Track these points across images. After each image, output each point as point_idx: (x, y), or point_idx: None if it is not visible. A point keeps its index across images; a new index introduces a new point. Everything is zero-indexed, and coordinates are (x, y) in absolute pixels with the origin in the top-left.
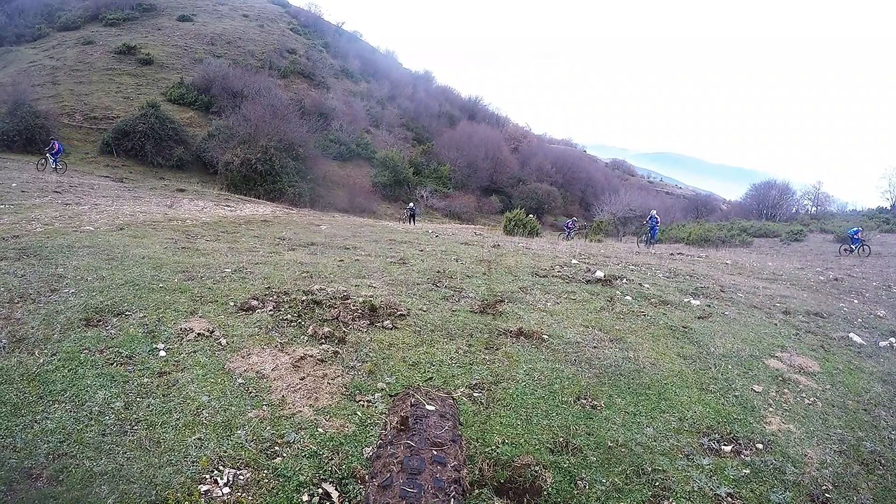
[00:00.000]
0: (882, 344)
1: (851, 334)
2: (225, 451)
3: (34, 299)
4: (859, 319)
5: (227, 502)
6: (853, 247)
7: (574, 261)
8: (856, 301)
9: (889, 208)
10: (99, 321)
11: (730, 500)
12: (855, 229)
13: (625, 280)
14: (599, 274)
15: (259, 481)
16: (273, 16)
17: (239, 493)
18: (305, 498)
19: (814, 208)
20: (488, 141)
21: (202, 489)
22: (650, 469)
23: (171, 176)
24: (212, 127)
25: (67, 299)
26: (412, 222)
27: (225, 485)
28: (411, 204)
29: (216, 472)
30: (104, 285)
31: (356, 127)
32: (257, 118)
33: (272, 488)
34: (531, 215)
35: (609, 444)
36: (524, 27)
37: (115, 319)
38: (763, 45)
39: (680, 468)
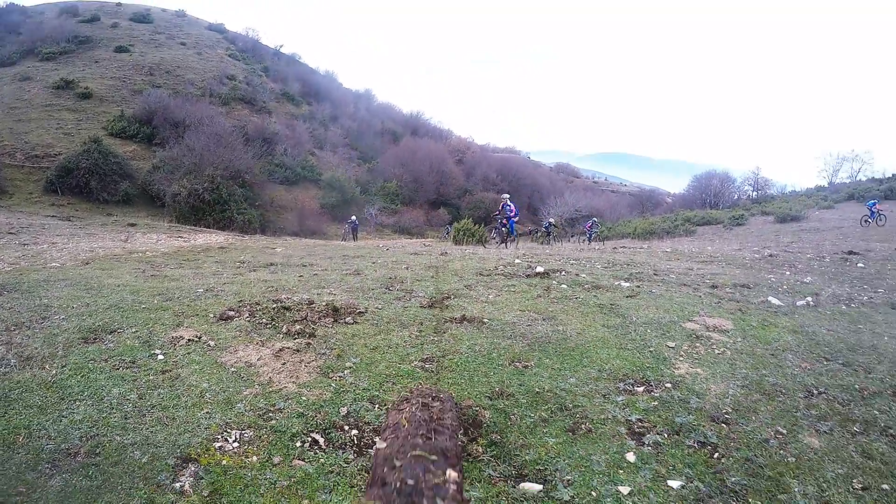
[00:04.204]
0: (799, 303)
1: (771, 298)
2: (230, 419)
3: (28, 326)
4: (784, 286)
5: (237, 452)
6: (871, 219)
7: (517, 260)
8: (788, 273)
9: (826, 186)
10: (96, 338)
11: (639, 423)
12: (872, 202)
13: (563, 272)
14: (540, 269)
15: (260, 436)
16: (210, 42)
17: (246, 446)
18: (298, 444)
19: (754, 193)
20: (432, 155)
21: (216, 445)
22: (571, 406)
23: (119, 211)
24: (156, 159)
25: (60, 324)
26: (354, 238)
27: (234, 441)
28: (353, 217)
29: (225, 433)
30: (91, 310)
31: (300, 150)
32: (201, 147)
33: (271, 440)
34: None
35: (537, 390)
36: (462, 35)
37: (110, 336)
38: (699, 40)
39: (597, 404)
